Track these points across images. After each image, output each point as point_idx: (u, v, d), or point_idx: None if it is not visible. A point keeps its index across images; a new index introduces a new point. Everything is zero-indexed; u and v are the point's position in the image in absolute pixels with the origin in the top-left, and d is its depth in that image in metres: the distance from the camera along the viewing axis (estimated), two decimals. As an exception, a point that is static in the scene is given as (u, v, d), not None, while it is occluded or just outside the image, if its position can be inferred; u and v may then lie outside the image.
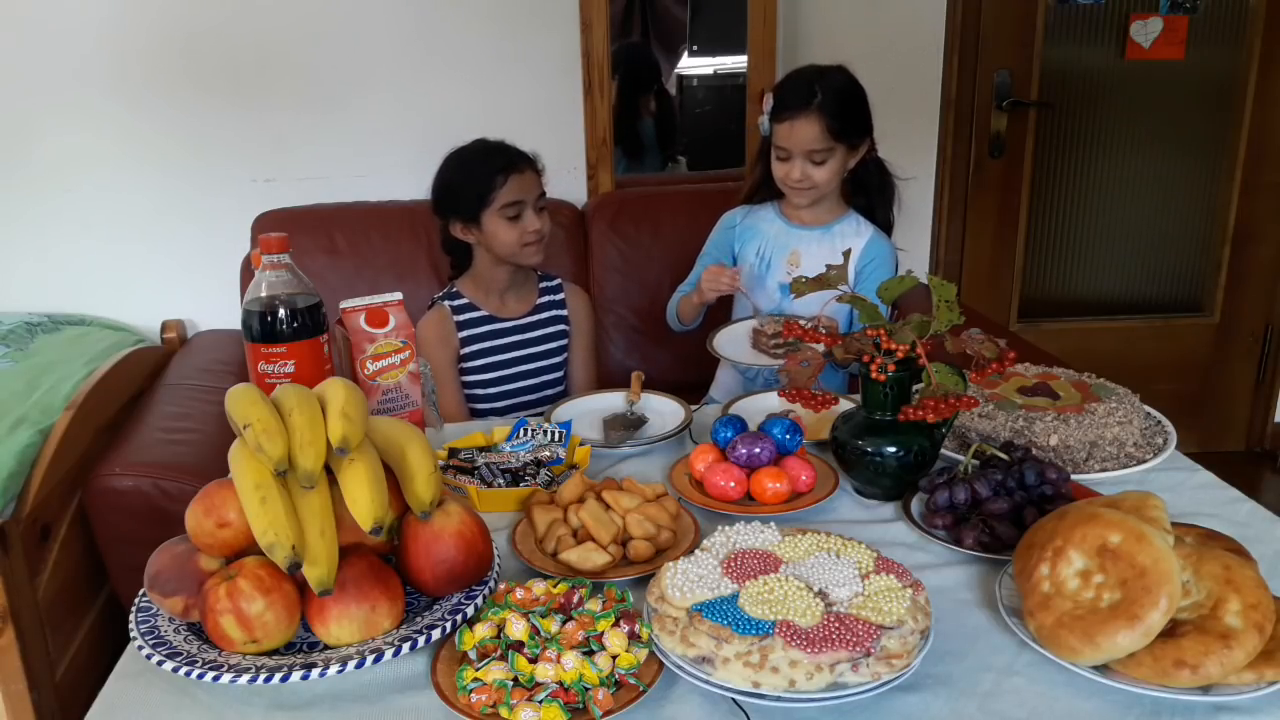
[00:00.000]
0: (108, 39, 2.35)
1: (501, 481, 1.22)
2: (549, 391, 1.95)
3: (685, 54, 4.04)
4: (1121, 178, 2.92)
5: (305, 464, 0.89)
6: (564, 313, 1.98)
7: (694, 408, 1.47)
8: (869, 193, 1.83)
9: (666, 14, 4.04)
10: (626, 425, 1.45)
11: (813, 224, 1.82)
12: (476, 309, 1.90)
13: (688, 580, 0.90)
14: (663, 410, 1.49)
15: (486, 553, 0.98)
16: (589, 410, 1.50)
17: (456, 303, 1.90)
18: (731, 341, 1.67)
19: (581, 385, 1.99)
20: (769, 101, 1.75)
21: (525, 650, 0.85)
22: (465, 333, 1.89)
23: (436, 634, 0.90)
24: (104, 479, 1.72)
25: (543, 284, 1.98)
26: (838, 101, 1.68)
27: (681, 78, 4.03)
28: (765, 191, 1.86)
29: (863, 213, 1.85)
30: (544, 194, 1.82)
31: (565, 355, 1.98)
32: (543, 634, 0.87)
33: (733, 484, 1.17)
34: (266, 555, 0.87)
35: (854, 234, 1.81)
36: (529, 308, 1.94)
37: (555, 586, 0.94)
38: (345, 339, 1.22)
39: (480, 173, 1.77)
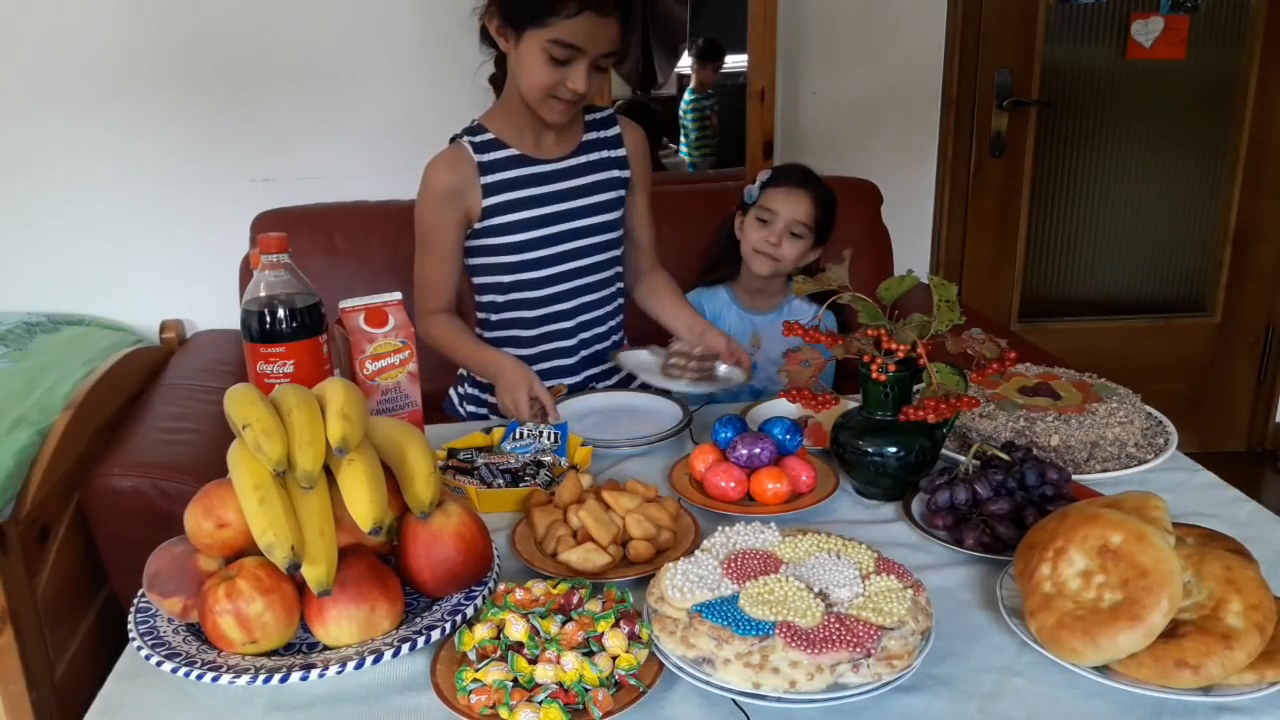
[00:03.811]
0: (107, 39, 2.35)
1: (501, 482, 1.22)
2: (600, 255, 1.62)
3: (685, 53, 4.03)
4: (1122, 177, 2.92)
5: (304, 464, 0.89)
6: (620, 153, 1.61)
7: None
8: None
9: (667, 14, 4.04)
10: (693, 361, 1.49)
11: (766, 309, 1.98)
12: (504, 146, 1.53)
13: (688, 581, 0.89)
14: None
15: (486, 553, 0.98)
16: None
17: (479, 138, 1.53)
18: (639, 366, 1.59)
19: (645, 244, 1.72)
20: (764, 174, 1.91)
21: (525, 651, 0.85)
22: (490, 178, 1.51)
23: (436, 635, 0.89)
24: (103, 479, 1.72)
25: (590, 116, 1.61)
26: (826, 196, 1.89)
27: (681, 76, 4.03)
28: (722, 269, 2.00)
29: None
30: (614, 54, 1.42)
31: (617, 211, 1.62)
32: (542, 635, 0.86)
33: (733, 484, 1.17)
34: (265, 556, 0.87)
35: (801, 313, 1.96)
36: (573, 146, 1.58)
37: (555, 587, 0.94)
38: (344, 339, 1.22)
39: None
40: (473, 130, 1.55)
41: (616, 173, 1.62)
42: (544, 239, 1.56)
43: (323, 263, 2.26)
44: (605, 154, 1.61)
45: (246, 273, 2.25)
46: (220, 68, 2.41)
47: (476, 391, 1.73)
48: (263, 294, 1.11)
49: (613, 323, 1.71)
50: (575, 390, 1.60)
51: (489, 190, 1.52)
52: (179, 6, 2.35)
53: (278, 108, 2.45)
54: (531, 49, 1.39)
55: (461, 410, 1.76)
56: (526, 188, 1.54)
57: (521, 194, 1.54)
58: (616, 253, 1.66)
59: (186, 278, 2.52)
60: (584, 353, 1.68)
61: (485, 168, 1.52)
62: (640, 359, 1.59)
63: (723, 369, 1.54)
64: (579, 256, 1.60)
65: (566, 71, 1.40)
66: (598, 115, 1.62)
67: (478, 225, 1.55)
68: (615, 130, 1.62)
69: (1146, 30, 2.76)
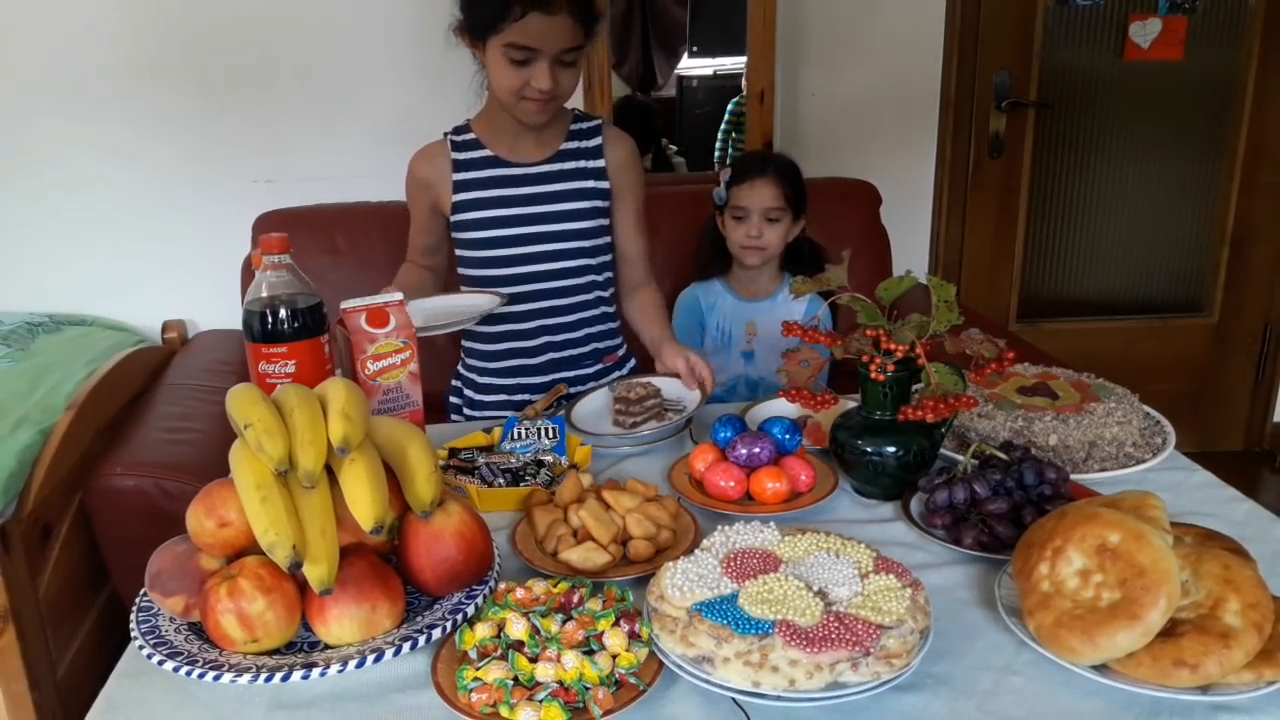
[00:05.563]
0: (109, 40, 2.35)
1: (502, 481, 1.22)
2: (568, 262, 1.61)
3: (685, 54, 4.04)
4: (1120, 178, 2.93)
5: (306, 463, 0.90)
6: (598, 164, 1.60)
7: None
8: (803, 264, 2.00)
9: (666, 14, 4.04)
10: (640, 399, 1.40)
11: (761, 295, 2.02)
12: (481, 147, 1.59)
13: (688, 580, 0.90)
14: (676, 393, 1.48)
15: (487, 552, 0.98)
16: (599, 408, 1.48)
17: (461, 137, 1.60)
18: (593, 414, 1.47)
19: (634, 257, 1.68)
20: (726, 174, 1.97)
21: (525, 650, 0.85)
22: (462, 175, 1.58)
23: (437, 633, 0.90)
24: (105, 479, 1.72)
25: (575, 125, 1.61)
26: (788, 171, 1.95)
27: (681, 78, 4.04)
28: (713, 267, 2.06)
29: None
30: (579, 48, 1.44)
31: (595, 220, 1.62)
32: (543, 633, 0.87)
33: (732, 484, 1.17)
34: (267, 555, 0.87)
35: (795, 299, 1.94)
36: (551, 153, 1.59)
37: (555, 586, 0.94)
38: (346, 339, 1.23)
39: None
40: (459, 129, 1.62)
41: (593, 183, 1.60)
42: (508, 239, 1.58)
43: (324, 263, 2.26)
44: (581, 164, 1.60)
45: (248, 273, 2.25)
46: (223, 69, 2.42)
47: (459, 383, 1.78)
48: (264, 294, 1.12)
49: (590, 330, 1.69)
50: (578, 395, 1.58)
51: (459, 187, 1.59)
52: (182, 8, 2.36)
53: (280, 109, 2.46)
54: (494, 55, 1.43)
55: (452, 403, 1.80)
56: (495, 188, 1.58)
57: (489, 194, 1.58)
58: (591, 261, 1.64)
59: (188, 278, 2.52)
60: (552, 355, 1.67)
61: (459, 165, 1.59)
62: (591, 409, 1.48)
63: (672, 394, 1.46)
64: (544, 260, 1.60)
65: (529, 71, 1.42)
66: (583, 125, 1.62)
67: (451, 218, 1.61)
68: (596, 141, 1.61)
69: (1144, 31, 2.77)
